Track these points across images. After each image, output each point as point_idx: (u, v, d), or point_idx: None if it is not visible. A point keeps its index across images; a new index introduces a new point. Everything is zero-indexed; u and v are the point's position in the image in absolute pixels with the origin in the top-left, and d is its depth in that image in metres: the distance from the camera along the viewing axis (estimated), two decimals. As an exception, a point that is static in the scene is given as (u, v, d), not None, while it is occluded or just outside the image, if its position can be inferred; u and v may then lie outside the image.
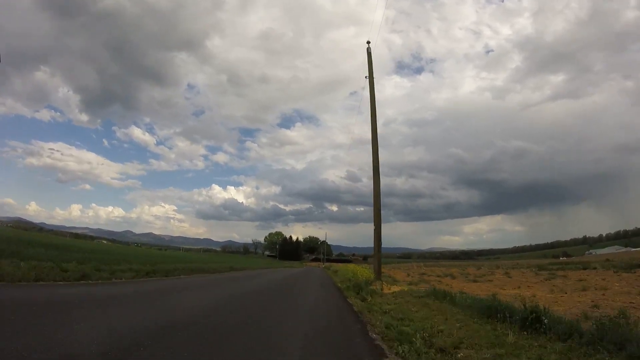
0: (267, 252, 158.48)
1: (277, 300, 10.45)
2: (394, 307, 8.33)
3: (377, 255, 15.40)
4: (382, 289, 11.74)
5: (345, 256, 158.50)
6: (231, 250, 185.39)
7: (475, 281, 21.26)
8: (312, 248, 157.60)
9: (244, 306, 8.22)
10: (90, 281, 11.24)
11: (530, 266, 49.37)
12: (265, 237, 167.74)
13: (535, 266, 48.13)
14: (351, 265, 21.30)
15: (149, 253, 43.32)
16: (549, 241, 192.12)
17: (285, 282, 19.81)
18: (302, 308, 8.66)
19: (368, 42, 22.91)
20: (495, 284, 18.71)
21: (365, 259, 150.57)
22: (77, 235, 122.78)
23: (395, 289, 12.25)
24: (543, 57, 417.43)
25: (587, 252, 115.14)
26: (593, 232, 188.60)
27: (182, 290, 11.17)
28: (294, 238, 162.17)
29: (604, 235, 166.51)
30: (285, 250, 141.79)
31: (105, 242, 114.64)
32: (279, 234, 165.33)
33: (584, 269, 34.74)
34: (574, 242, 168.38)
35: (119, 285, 11.13)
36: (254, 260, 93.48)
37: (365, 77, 21.45)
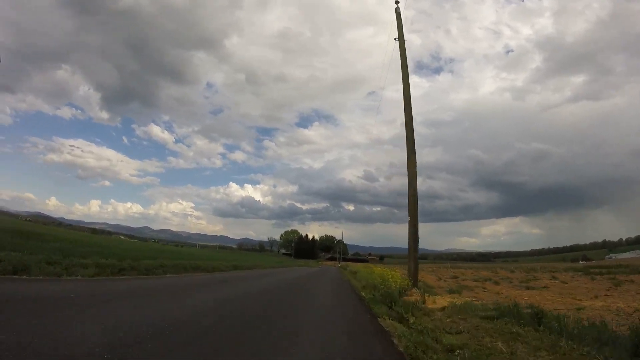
0: (282, 250, 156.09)
1: (274, 325, 7.17)
2: (463, 340, 4.85)
3: (414, 255, 11.08)
4: (424, 302, 8.12)
5: (361, 256, 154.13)
6: (247, 247, 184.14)
7: (528, 288, 17.25)
8: (328, 247, 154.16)
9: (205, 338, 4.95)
10: (26, 276, 8.43)
11: (567, 269, 45.07)
12: (281, 235, 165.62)
13: (571, 269, 44.06)
14: (377, 269, 17.85)
15: (161, 249, 41.14)
16: (567, 244, 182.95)
17: (297, 282, 16.72)
18: (308, 339, 5.32)
19: (397, 2, 19.47)
20: (559, 292, 14.75)
21: (381, 258, 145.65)
22: (95, 231, 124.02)
23: (441, 301, 8.52)
24: (563, 57, 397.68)
25: (607, 256, 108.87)
26: (611, 236, 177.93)
27: (138, 296, 8.00)
28: (310, 237, 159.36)
29: (624, 239, 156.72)
30: (301, 248, 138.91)
31: (123, 237, 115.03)
32: (294, 232, 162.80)
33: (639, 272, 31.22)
34: (593, 246, 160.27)
35: (58, 284, 8.17)
36: (269, 258, 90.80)
37: (395, 39, 17.99)
